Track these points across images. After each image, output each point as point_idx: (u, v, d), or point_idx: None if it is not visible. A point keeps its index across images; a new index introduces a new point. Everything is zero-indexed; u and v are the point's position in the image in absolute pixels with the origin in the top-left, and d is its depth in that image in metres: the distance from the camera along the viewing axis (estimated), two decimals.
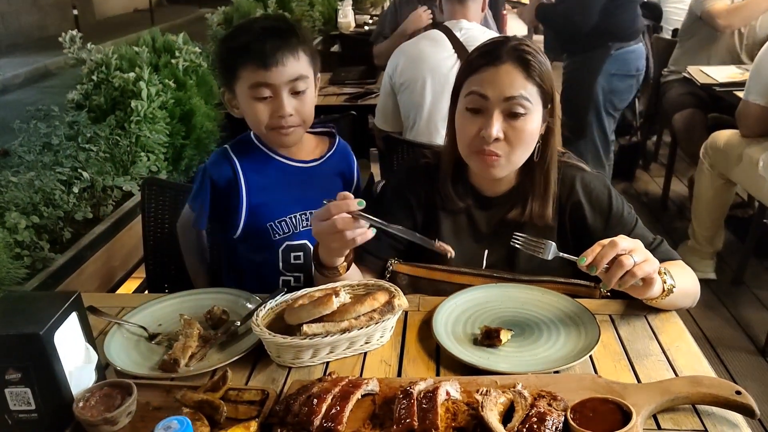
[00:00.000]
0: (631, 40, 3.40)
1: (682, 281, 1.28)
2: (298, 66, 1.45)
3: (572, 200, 1.42)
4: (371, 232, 1.20)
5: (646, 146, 4.69)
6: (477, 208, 1.47)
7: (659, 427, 0.98)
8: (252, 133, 1.58)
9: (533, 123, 1.32)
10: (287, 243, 1.59)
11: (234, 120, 3.10)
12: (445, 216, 1.47)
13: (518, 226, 1.40)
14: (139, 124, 2.37)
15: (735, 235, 3.42)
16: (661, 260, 1.23)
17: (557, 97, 1.38)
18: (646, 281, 1.16)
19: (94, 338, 1.14)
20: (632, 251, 1.12)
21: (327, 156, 1.63)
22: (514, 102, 1.29)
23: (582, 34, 3.28)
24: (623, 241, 1.12)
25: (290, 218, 1.58)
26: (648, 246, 1.29)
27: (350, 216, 1.17)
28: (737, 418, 0.98)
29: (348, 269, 1.33)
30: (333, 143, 1.66)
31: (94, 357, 1.11)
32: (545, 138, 1.39)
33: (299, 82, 1.45)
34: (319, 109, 3.33)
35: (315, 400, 0.99)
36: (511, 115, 1.30)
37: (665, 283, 1.20)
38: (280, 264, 1.60)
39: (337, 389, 1.02)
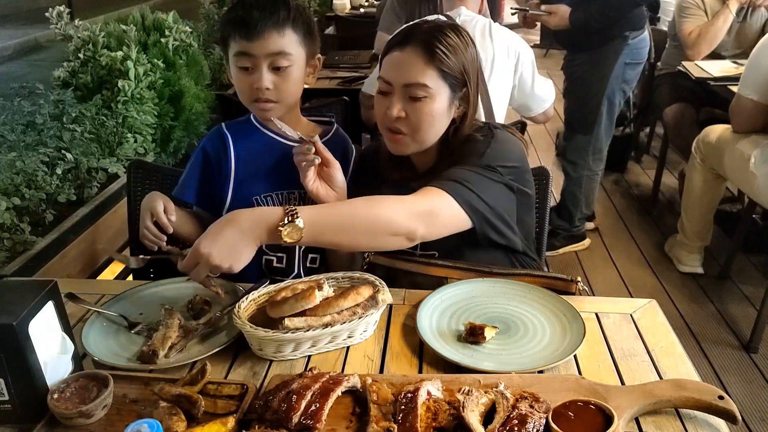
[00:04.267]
0: (643, 27, 3.33)
1: (338, 215, 1.26)
2: (281, 41, 1.44)
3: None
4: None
5: (639, 138, 4.68)
6: (412, 181, 1.49)
7: (641, 431, 0.98)
8: (252, 114, 1.60)
9: (434, 105, 1.38)
10: None
11: (225, 102, 3.08)
12: (386, 187, 1.49)
13: None
14: (126, 105, 2.33)
15: (723, 229, 3.42)
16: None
17: (473, 85, 1.42)
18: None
19: (71, 327, 1.12)
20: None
21: (323, 141, 1.61)
22: (412, 88, 1.36)
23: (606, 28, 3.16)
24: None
25: (276, 194, 1.57)
26: (442, 178, 1.35)
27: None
28: (719, 422, 0.98)
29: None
30: (329, 130, 1.64)
31: (71, 347, 1.08)
32: (461, 121, 1.44)
33: (280, 58, 1.45)
34: (312, 93, 3.31)
35: (294, 397, 0.97)
36: (411, 98, 1.37)
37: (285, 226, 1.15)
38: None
39: (317, 385, 1.01)
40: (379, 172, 1.56)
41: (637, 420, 0.99)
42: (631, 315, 1.28)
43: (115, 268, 2.14)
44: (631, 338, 1.21)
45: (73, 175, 2.05)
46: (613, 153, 4.38)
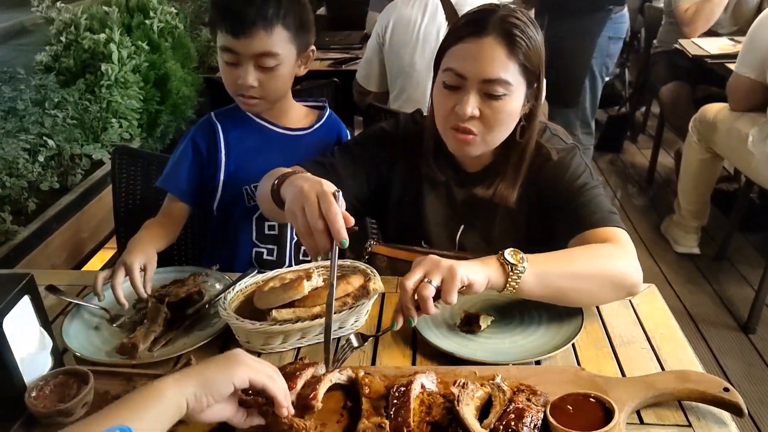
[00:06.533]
0: (624, 3, 3.33)
1: (564, 264, 1.12)
2: (269, 42, 1.37)
3: (536, 187, 1.35)
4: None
5: (635, 118, 4.63)
6: (455, 183, 1.41)
7: (642, 422, 0.94)
8: None
9: (513, 104, 1.23)
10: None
11: (213, 85, 3.01)
12: (428, 188, 1.42)
13: (491, 205, 1.36)
14: (110, 89, 2.27)
15: (719, 209, 3.39)
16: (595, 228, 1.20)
17: (543, 79, 1.28)
18: (470, 283, 1.03)
19: (49, 322, 1.08)
20: (428, 274, 1.01)
21: (315, 126, 1.58)
22: (492, 84, 1.20)
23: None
24: (414, 274, 1.02)
25: None
26: (591, 216, 1.23)
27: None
28: (723, 414, 0.94)
29: None
30: (322, 115, 1.59)
31: (49, 342, 1.04)
32: (527, 119, 1.30)
33: (267, 59, 1.38)
34: (302, 75, 3.23)
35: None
36: (489, 96, 1.21)
37: (508, 267, 1.05)
38: (254, 234, 1.54)
39: (310, 370, 0.98)
40: (415, 164, 1.40)
41: (638, 411, 0.95)
42: (630, 300, 1.24)
43: (103, 255, 2.10)
44: (630, 324, 1.18)
45: (56, 162, 1.99)
46: (608, 133, 4.37)
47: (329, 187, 1.02)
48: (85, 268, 1.93)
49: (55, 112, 2.02)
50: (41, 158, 1.88)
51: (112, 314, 1.22)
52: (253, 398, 0.90)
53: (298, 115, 1.56)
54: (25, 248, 1.70)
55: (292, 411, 0.89)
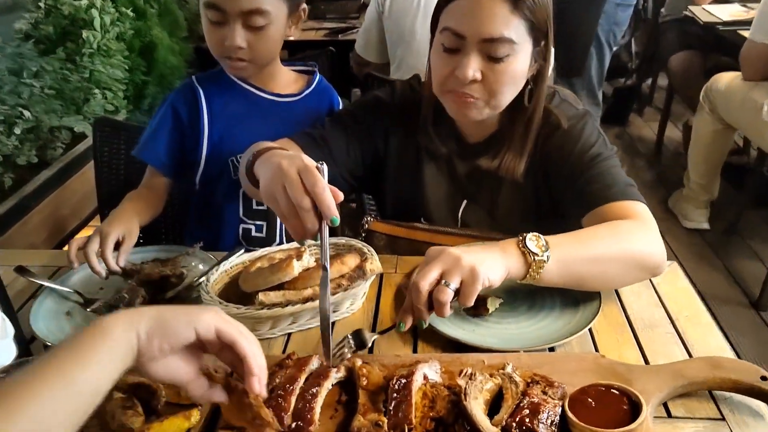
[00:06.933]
0: None
1: (586, 247, 1.00)
2: None
3: (545, 158, 1.23)
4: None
5: (642, 90, 4.50)
6: (457, 154, 1.30)
7: (670, 415, 0.85)
8: None
9: (518, 65, 1.11)
10: None
11: (203, 55, 2.88)
12: (428, 161, 1.32)
13: (496, 178, 1.25)
14: (92, 57, 2.15)
15: (729, 183, 3.28)
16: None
17: (551, 36, 1.16)
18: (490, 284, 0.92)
19: (13, 307, 0.98)
20: (446, 274, 0.90)
21: (304, 93, 1.46)
22: (494, 44, 1.08)
23: None
24: (429, 272, 0.90)
25: None
26: (607, 189, 1.11)
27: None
28: (760, 405, 0.85)
29: None
30: (312, 80, 1.47)
31: (11, 330, 0.94)
32: (535, 81, 1.19)
33: (256, 17, 1.26)
34: (296, 45, 3.11)
35: (281, 393, 0.83)
36: (491, 57, 1.09)
37: (531, 257, 0.95)
38: (241, 209, 1.44)
39: (303, 377, 0.87)
40: (411, 134, 1.30)
41: (665, 404, 0.86)
42: (650, 280, 1.14)
43: (86, 234, 1.99)
44: (652, 306, 1.08)
45: (34, 135, 1.87)
46: (614, 106, 4.25)
47: (310, 161, 0.90)
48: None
49: (32, 82, 1.90)
50: (17, 131, 1.76)
51: (86, 298, 1.12)
52: (220, 370, 0.76)
53: (286, 80, 1.45)
54: (2, 227, 1.59)
55: (265, 394, 0.74)
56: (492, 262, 0.92)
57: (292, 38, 2.85)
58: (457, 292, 0.90)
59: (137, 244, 1.25)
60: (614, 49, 3.38)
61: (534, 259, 0.94)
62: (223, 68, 1.38)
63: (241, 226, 1.43)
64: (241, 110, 1.40)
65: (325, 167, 0.89)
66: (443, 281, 0.89)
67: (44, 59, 2.08)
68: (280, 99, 1.42)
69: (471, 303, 0.90)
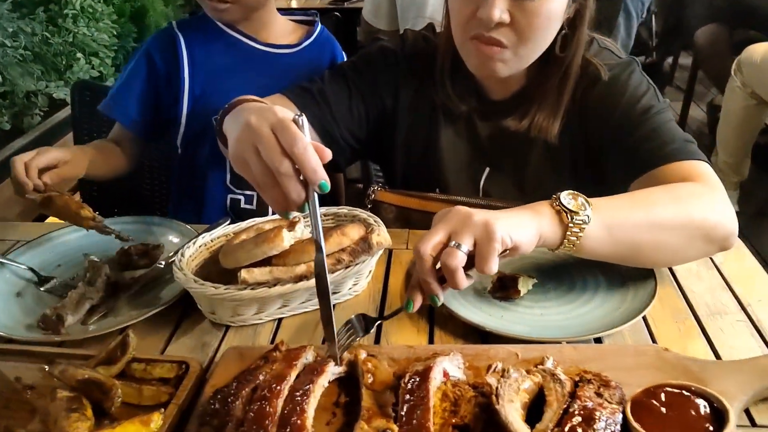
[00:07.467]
0: None
1: (641, 210, 0.82)
2: None
3: (584, 115, 1.06)
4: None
5: (663, 68, 4.31)
6: (479, 114, 1.13)
7: (754, 424, 0.67)
8: None
9: (553, 4, 0.94)
10: None
11: None
12: (445, 121, 1.14)
13: (524, 140, 1.08)
14: (76, 20, 1.97)
15: (758, 164, 3.10)
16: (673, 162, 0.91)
17: None
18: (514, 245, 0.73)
19: None
20: (455, 234, 0.73)
21: (303, 44, 1.30)
22: None
23: None
24: (434, 234, 0.74)
25: None
26: (663, 148, 0.94)
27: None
28: None
29: None
30: (312, 31, 1.30)
31: None
32: (571, 26, 1.01)
33: None
34: (298, 13, 2.93)
35: (266, 395, 0.66)
36: None
37: (567, 216, 0.77)
38: (228, 176, 1.27)
39: (293, 374, 0.70)
40: (427, 91, 1.13)
41: (746, 409, 0.68)
42: (711, 259, 0.96)
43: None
44: (717, 290, 0.90)
45: (9, 100, 1.71)
46: None
47: (285, 112, 0.70)
48: (48, 222, 1.65)
49: (6, 42, 1.73)
50: None
51: (40, 276, 0.95)
52: None
53: (282, 30, 1.27)
54: None
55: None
56: (517, 220, 0.75)
57: (294, 5, 2.68)
58: (473, 262, 0.72)
59: (112, 214, 1.08)
60: (640, 21, 3.17)
61: (572, 219, 0.76)
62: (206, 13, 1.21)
63: (229, 196, 1.26)
64: (228, 61, 1.22)
65: (304, 119, 0.69)
66: (452, 242, 0.72)
67: (24, 21, 1.91)
68: (274, 50, 1.25)
69: (491, 268, 0.71)
